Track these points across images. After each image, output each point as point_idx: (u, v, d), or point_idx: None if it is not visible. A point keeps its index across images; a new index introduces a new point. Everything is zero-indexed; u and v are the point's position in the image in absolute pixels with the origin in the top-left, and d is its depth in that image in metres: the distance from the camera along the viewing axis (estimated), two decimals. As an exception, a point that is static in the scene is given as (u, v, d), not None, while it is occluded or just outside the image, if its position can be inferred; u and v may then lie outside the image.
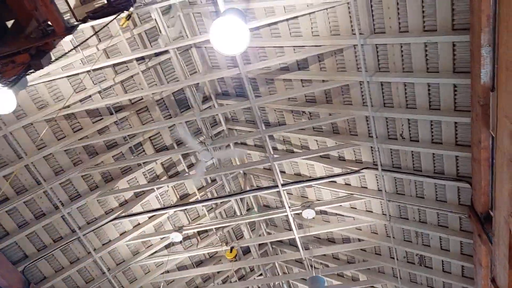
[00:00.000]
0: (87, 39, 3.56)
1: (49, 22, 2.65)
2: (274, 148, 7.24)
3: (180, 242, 8.07)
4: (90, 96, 6.37)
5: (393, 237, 7.11)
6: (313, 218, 7.36)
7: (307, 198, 7.62)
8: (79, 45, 3.26)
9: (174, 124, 7.08)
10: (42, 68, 2.67)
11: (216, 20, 4.29)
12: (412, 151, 5.88)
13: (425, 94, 5.21)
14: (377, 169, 6.27)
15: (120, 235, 7.59)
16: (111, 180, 7.10)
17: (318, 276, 6.22)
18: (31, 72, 2.68)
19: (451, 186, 5.88)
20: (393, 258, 7.39)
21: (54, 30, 2.56)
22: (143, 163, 7.10)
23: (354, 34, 5.12)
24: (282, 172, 7.48)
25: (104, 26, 3.84)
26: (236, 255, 7.56)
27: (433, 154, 5.72)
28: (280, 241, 8.99)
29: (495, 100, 4.17)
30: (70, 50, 3.36)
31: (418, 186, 6.25)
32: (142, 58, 6.38)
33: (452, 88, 4.96)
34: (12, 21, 2.94)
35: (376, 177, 6.53)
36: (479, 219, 5.50)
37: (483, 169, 4.91)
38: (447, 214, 6.18)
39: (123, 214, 7.29)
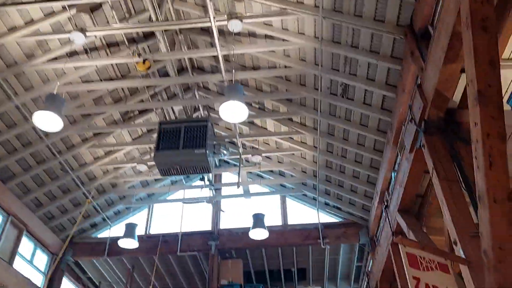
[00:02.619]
0: None
1: None
2: None
3: (85, 51, 7.02)
4: None
5: (321, 65, 6.69)
6: (239, 33, 6.62)
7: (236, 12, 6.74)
8: None
9: None
10: None
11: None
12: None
13: None
14: (318, -26, 5.45)
15: (9, 30, 6.33)
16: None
17: (237, 84, 5.70)
18: None
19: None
20: (317, 89, 7.10)
21: None
22: None
23: None
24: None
25: None
26: (149, 68, 6.76)
27: (383, -45, 4.98)
28: (202, 69, 8.32)
29: None
30: None
31: (358, 1, 5.62)
32: None
33: None
34: None
35: (315, -13, 5.75)
36: (416, 36, 5.13)
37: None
38: (382, 35, 5.75)
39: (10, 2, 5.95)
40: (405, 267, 3.23)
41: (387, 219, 6.38)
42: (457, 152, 4.20)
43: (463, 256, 3.60)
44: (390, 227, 6.13)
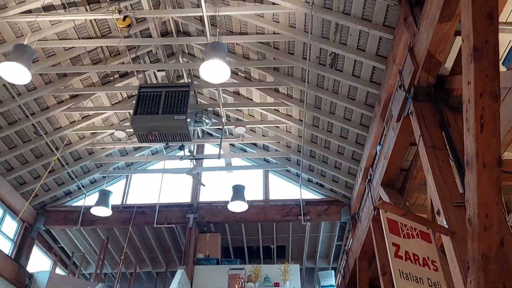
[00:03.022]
0: None
1: None
2: None
3: (63, 6, 6.58)
4: None
5: (311, 33, 6.40)
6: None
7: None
8: None
9: None
10: None
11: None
12: None
13: None
14: None
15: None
16: None
17: (220, 42, 5.37)
18: None
19: (390, -40, 5.03)
20: (306, 58, 6.83)
21: None
22: None
23: None
24: None
25: None
26: (130, 25, 6.39)
27: None
28: (188, 34, 7.96)
29: None
30: None
31: (353, -39, 5.33)
32: None
33: None
34: None
35: None
36: (410, 2, 4.88)
37: None
38: (375, 1, 5.46)
39: None
40: (384, 232, 3.03)
41: (369, 193, 6.21)
42: (445, 120, 4.00)
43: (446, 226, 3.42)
44: (372, 201, 5.96)
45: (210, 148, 10.29)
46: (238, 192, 7.67)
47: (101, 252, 9.58)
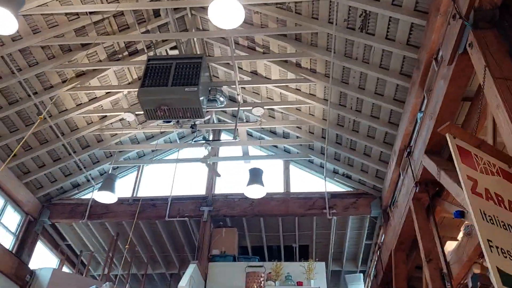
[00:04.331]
0: None
1: None
2: None
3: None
4: None
5: (338, -12, 5.67)
6: None
7: None
8: None
9: None
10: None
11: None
12: None
13: None
14: None
15: None
16: None
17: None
18: None
19: None
20: (332, 22, 6.07)
21: None
22: None
23: None
24: None
25: None
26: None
27: None
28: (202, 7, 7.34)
29: None
30: None
31: None
32: None
33: None
34: None
35: None
36: None
37: None
38: None
39: None
40: (456, 162, 2.20)
41: (409, 168, 5.32)
42: (518, 49, 3.15)
43: (532, 169, 2.55)
44: (413, 176, 5.07)
45: (226, 138, 9.56)
46: (255, 175, 6.87)
47: (110, 249, 8.87)
